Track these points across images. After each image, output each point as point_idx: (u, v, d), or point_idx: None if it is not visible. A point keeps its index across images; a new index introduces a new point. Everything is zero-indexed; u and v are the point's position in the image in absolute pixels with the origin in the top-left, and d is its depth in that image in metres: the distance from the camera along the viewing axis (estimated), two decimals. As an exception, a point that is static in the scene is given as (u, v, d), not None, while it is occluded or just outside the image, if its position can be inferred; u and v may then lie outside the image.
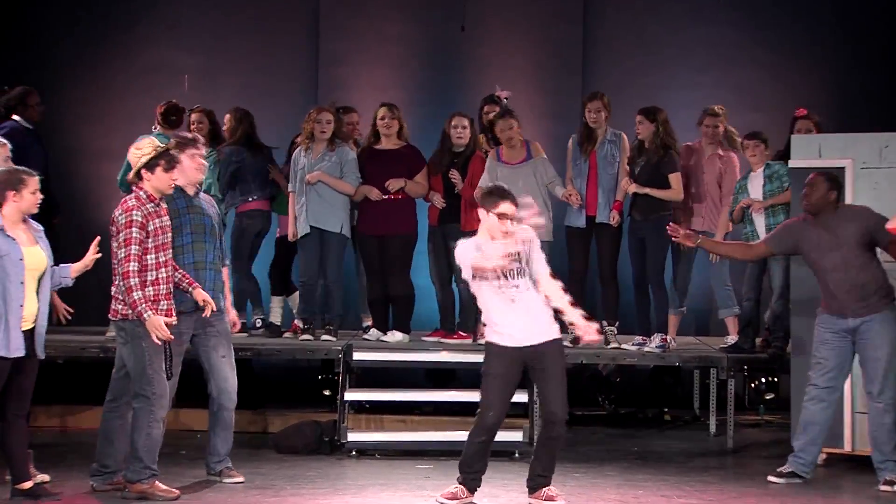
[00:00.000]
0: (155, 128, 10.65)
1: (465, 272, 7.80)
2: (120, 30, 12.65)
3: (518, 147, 10.52)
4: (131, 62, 12.52)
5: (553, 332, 7.81)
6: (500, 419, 7.85)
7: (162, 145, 8.10)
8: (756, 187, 10.24)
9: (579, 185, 10.54)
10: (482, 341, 10.25)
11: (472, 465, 7.92)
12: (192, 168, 8.35)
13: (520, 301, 7.75)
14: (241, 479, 8.54)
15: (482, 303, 7.88)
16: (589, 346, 10.32)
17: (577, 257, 10.60)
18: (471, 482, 7.94)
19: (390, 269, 10.70)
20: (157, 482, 7.97)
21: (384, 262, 10.71)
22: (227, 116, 11.01)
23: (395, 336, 10.65)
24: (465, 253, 7.78)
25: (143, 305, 7.80)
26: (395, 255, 10.69)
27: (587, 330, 7.83)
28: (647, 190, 10.31)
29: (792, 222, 8.96)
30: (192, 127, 10.79)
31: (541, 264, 7.82)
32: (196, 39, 12.73)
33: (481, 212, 7.81)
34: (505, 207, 7.71)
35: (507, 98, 10.90)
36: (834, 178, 8.75)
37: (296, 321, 10.86)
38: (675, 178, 10.34)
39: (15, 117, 10.71)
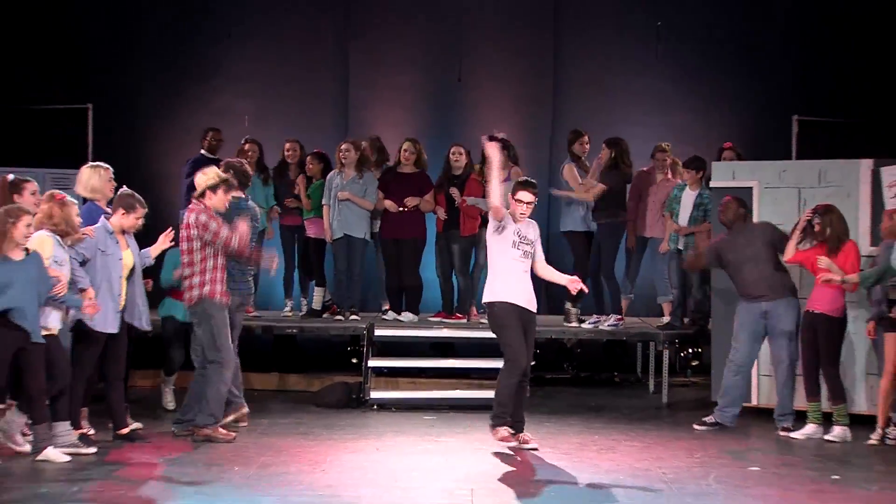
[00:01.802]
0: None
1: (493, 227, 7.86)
2: (195, 83, 12.60)
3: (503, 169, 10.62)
4: (203, 107, 12.46)
5: (535, 306, 7.95)
6: (528, 360, 7.78)
7: (224, 175, 8.11)
8: (686, 206, 10.21)
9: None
10: (474, 319, 10.42)
11: (507, 404, 7.71)
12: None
13: (524, 275, 7.85)
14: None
15: (496, 270, 7.85)
16: (557, 325, 10.53)
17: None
18: (505, 422, 7.73)
19: (404, 265, 10.66)
20: (219, 428, 8.00)
21: (399, 260, 10.71)
22: (288, 145, 11.04)
23: (408, 316, 10.68)
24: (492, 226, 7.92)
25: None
26: (408, 254, 10.66)
27: (573, 281, 7.97)
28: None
29: (714, 241, 9.03)
30: (247, 154, 10.66)
31: (541, 252, 7.97)
32: (253, 88, 12.64)
33: (511, 199, 7.88)
34: (522, 195, 7.78)
35: (502, 137, 10.95)
36: (741, 199, 8.91)
37: (334, 305, 10.82)
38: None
39: (202, 151, 10.86)
